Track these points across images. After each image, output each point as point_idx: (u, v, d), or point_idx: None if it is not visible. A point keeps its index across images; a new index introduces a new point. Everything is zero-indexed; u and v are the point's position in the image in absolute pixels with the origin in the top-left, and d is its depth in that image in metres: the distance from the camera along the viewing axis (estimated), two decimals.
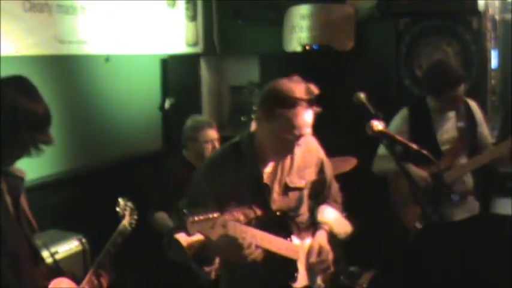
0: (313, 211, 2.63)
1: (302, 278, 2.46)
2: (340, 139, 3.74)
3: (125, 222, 2.37)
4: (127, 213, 2.41)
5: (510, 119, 5.07)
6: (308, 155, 2.52)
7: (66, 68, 3.98)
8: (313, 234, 2.53)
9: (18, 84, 1.89)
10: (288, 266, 2.43)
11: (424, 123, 3.44)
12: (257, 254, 2.28)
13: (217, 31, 5.30)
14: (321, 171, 2.61)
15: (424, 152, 2.67)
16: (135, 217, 2.44)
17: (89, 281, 2.15)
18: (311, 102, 2.28)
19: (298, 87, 2.26)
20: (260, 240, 2.28)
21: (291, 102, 2.24)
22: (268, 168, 2.44)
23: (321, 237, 2.52)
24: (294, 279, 2.43)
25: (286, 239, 2.45)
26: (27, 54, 3.59)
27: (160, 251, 3.68)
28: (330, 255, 2.49)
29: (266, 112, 2.30)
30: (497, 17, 4.86)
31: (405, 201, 3.36)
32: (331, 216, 2.61)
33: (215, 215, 2.08)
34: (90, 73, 4.16)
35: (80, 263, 3.34)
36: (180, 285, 3.53)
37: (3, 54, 3.34)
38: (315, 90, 2.28)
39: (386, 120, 2.56)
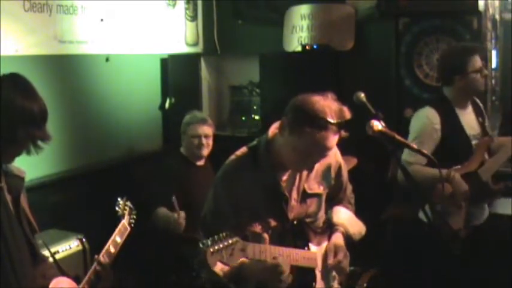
0: (327, 213, 2.63)
1: (319, 284, 2.46)
2: (340, 139, 3.73)
3: (125, 222, 2.37)
4: (126, 212, 2.40)
5: (510, 118, 5.07)
6: (326, 160, 2.47)
7: (67, 67, 3.99)
8: (329, 237, 2.52)
9: (13, 82, 1.89)
10: (306, 275, 2.41)
11: (452, 119, 3.26)
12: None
13: (217, 31, 5.29)
14: (338, 174, 2.59)
15: (424, 151, 2.67)
16: (134, 217, 2.43)
17: (88, 281, 2.14)
18: (341, 126, 2.22)
19: (332, 109, 2.19)
20: (279, 257, 2.26)
21: (322, 125, 2.17)
22: (286, 176, 2.41)
23: (338, 238, 2.51)
24: None
25: (304, 248, 2.44)
26: (28, 54, 3.59)
27: (160, 250, 3.71)
28: (347, 256, 2.48)
29: (294, 127, 2.23)
30: (497, 17, 4.86)
31: (447, 208, 3.20)
32: (346, 217, 2.61)
33: (234, 239, 2.05)
34: (90, 73, 4.17)
35: (80, 263, 3.35)
36: (180, 285, 3.53)
37: (3, 54, 3.35)
38: (348, 114, 2.22)
39: (386, 120, 2.55)
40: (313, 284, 2.43)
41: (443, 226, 3.19)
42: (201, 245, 2.00)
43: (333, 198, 2.65)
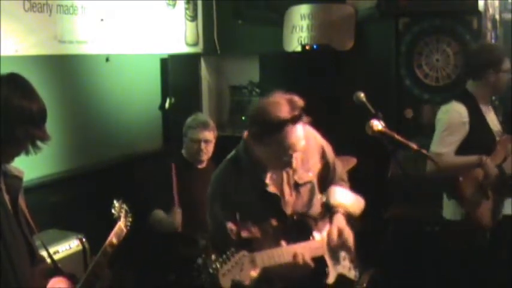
0: (323, 195, 2.64)
1: (332, 269, 2.49)
2: (340, 139, 3.74)
3: (121, 223, 2.37)
4: (122, 214, 2.40)
5: (510, 118, 5.07)
6: (309, 146, 2.50)
7: (67, 67, 3.98)
8: (330, 221, 2.54)
9: (12, 82, 1.89)
10: (317, 263, 2.42)
11: (478, 114, 3.32)
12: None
13: (217, 31, 5.29)
14: (323, 156, 2.61)
15: (424, 151, 2.67)
16: (130, 219, 2.43)
17: (86, 281, 2.14)
18: (298, 118, 2.25)
19: (281, 108, 2.23)
20: (287, 256, 2.29)
21: (277, 127, 2.23)
22: (272, 174, 2.43)
23: (339, 220, 2.52)
24: (326, 275, 2.45)
25: (309, 239, 2.46)
26: (28, 54, 3.59)
27: (159, 250, 3.70)
28: (351, 235, 2.50)
29: (256, 138, 2.32)
30: (497, 17, 4.86)
31: (476, 198, 3.24)
32: (343, 196, 2.62)
33: (241, 254, 2.09)
34: (90, 73, 4.17)
35: (80, 263, 3.35)
36: (180, 285, 3.53)
37: (3, 54, 3.34)
38: (299, 103, 2.25)
39: (386, 120, 2.56)
40: (327, 269, 2.46)
41: (472, 219, 3.23)
42: (211, 271, 2.03)
43: (325, 179, 2.66)
